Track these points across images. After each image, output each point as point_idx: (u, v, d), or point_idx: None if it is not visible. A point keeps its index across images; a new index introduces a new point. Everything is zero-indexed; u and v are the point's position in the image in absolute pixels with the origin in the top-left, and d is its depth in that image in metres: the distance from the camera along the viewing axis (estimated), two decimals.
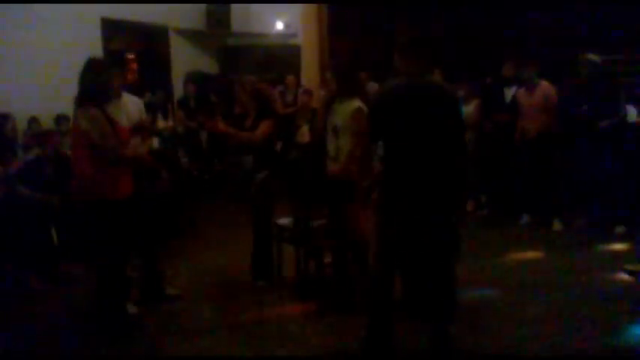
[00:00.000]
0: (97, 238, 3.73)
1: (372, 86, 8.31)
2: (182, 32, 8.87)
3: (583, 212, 6.02)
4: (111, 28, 7.66)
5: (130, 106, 4.27)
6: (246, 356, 3.53)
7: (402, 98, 3.18)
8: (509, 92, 6.36)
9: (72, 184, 4.05)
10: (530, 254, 5.21)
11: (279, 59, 9.21)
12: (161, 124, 7.69)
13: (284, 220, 4.57)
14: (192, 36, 9.06)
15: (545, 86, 5.93)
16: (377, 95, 3.43)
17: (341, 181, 4.05)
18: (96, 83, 3.62)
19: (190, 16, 8.93)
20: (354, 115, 3.97)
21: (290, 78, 8.53)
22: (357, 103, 4.02)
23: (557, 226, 5.94)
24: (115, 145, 3.58)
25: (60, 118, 6.23)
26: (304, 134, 7.03)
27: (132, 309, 4.06)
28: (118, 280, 3.77)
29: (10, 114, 5.68)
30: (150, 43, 8.68)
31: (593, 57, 5.69)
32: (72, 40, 6.94)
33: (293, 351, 3.56)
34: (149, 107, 7.64)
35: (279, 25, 9.29)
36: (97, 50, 7.43)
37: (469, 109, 6.42)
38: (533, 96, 5.92)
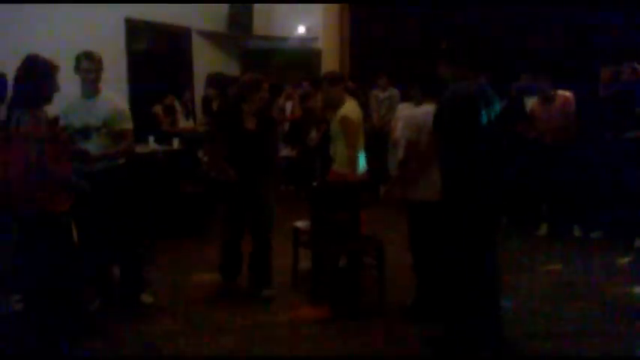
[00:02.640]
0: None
1: (392, 91, 8.35)
2: (204, 34, 8.95)
3: (601, 224, 5.95)
4: (135, 29, 7.75)
5: (100, 106, 4.02)
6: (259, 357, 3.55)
7: (477, 101, 3.31)
8: (529, 102, 6.33)
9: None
10: (549, 265, 5.17)
11: (300, 63, 9.24)
12: (182, 125, 7.77)
13: (301, 224, 4.59)
14: (215, 38, 9.13)
15: (562, 96, 5.90)
16: (453, 99, 3.38)
17: (349, 185, 4.28)
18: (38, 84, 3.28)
19: (213, 19, 9.01)
20: (341, 121, 4.37)
21: (305, 84, 8.48)
22: (342, 111, 4.39)
23: (577, 232, 5.94)
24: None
25: None
26: (313, 139, 7.04)
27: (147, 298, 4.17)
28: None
29: None
30: (173, 45, 8.78)
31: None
32: (96, 40, 7.01)
33: (306, 355, 3.57)
34: (170, 108, 7.77)
35: (301, 29, 9.32)
36: (121, 50, 7.55)
37: None
38: (551, 107, 5.90)
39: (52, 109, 5.39)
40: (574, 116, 5.85)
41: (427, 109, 3.80)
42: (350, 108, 4.48)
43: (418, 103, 4.06)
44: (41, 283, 3.33)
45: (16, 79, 3.27)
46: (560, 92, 5.91)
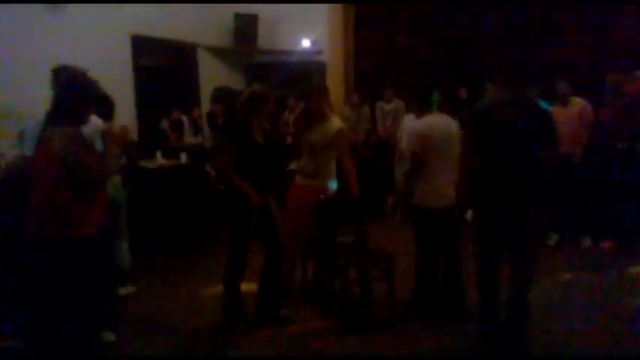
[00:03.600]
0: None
1: (398, 103, 8.36)
2: (210, 49, 9.01)
3: (611, 234, 5.91)
4: (141, 45, 7.80)
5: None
6: None
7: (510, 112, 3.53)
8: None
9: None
10: (558, 275, 5.13)
11: (305, 76, 9.27)
12: (190, 139, 7.80)
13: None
14: (220, 53, 9.19)
15: (579, 102, 5.93)
16: (487, 111, 3.68)
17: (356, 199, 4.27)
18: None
19: (218, 34, 9.08)
20: (338, 134, 4.30)
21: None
22: (336, 124, 4.35)
23: (585, 243, 5.92)
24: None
25: None
26: None
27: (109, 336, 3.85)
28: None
29: None
30: (178, 60, 8.83)
31: None
32: (102, 55, 7.08)
33: None
34: (176, 124, 7.80)
35: (306, 43, 9.37)
36: (127, 66, 7.60)
37: None
38: (568, 111, 5.90)
39: None
40: (590, 125, 5.86)
41: (429, 121, 4.11)
42: (340, 121, 4.49)
43: (418, 116, 4.32)
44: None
45: (58, 93, 3.05)
46: (578, 98, 5.94)
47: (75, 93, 3.07)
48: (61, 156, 2.85)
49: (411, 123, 4.32)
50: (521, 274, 3.61)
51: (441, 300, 4.28)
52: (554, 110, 6.00)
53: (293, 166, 4.82)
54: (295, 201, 4.43)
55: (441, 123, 4.18)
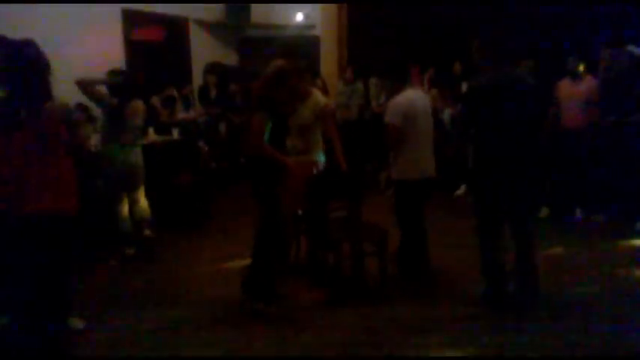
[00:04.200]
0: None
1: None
2: (202, 23, 8.91)
3: (603, 207, 5.96)
4: (132, 20, 7.71)
5: None
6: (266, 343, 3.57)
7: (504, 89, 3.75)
8: None
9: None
10: (550, 249, 5.16)
11: (298, 51, 9.19)
12: (181, 115, 7.76)
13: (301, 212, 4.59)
14: (213, 27, 9.09)
15: (590, 80, 5.95)
16: (482, 87, 3.84)
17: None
18: None
19: (211, 8, 8.97)
20: (325, 109, 4.53)
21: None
22: (322, 98, 4.55)
23: (578, 213, 5.99)
24: None
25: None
26: None
27: (77, 323, 3.76)
28: None
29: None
30: (170, 34, 8.74)
31: (633, 49, 5.68)
32: (93, 31, 7.01)
33: (313, 338, 3.59)
34: (169, 99, 7.75)
35: (299, 17, 9.28)
36: (118, 41, 7.51)
37: None
38: (578, 87, 5.94)
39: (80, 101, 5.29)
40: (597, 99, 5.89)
41: (409, 96, 4.24)
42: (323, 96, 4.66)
43: (390, 92, 4.47)
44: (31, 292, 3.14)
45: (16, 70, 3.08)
46: (589, 76, 5.96)
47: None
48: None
49: (394, 99, 4.35)
50: (525, 240, 3.89)
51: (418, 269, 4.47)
52: (562, 85, 6.06)
53: None
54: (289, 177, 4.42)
55: (419, 98, 4.34)
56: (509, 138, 3.73)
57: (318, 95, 4.61)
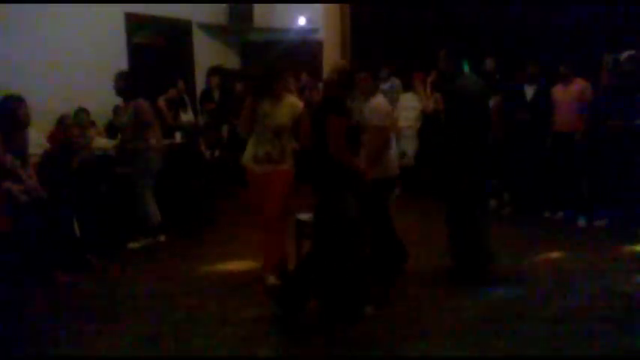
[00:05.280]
0: None
1: (394, 81, 8.28)
2: (205, 27, 8.92)
3: (605, 213, 5.93)
4: (135, 23, 7.72)
5: None
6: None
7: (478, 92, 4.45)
8: (530, 91, 6.32)
9: None
10: (552, 253, 5.15)
11: (301, 54, 9.19)
12: (183, 117, 7.76)
13: (304, 216, 4.55)
14: (215, 30, 9.10)
15: (580, 82, 6.01)
16: (465, 90, 4.40)
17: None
18: None
19: (213, 11, 8.97)
20: (302, 112, 4.35)
21: (303, 75, 8.42)
22: (297, 101, 4.51)
23: (581, 222, 5.94)
24: None
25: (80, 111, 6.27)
26: None
27: None
28: None
29: (24, 99, 4.96)
30: (173, 38, 8.74)
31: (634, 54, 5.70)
32: (96, 34, 7.02)
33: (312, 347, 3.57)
34: (171, 101, 7.75)
35: (302, 21, 9.28)
36: (122, 45, 7.52)
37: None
38: (569, 91, 6.01)
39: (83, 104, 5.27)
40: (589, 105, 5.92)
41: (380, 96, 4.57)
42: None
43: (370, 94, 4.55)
44: None
45: None
46: (579, 79, 6.04)
47: None
48: None
49: (375, 100, 4.50)
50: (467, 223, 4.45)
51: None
52: (556, 90, 6.10)
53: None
54: (261, 188, 4.38)
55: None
56: (459, 135, 4.32)
57: (292, 99, 4.49)
